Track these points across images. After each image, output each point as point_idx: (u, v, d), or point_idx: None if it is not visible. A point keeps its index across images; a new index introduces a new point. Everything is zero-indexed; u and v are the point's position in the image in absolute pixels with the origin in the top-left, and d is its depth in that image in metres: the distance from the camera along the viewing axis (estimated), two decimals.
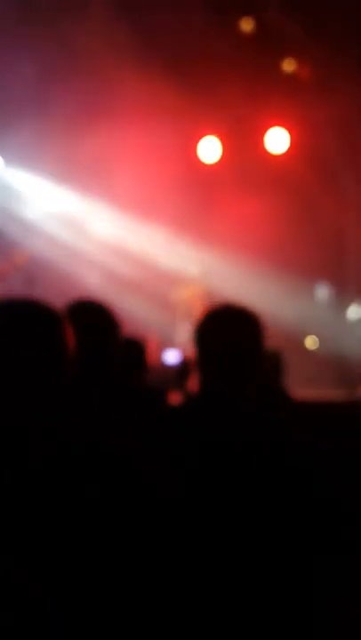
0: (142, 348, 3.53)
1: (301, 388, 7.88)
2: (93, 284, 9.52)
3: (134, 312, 8.90)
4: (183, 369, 5.30)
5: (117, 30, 8.50)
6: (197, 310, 9.06)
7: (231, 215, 9.86)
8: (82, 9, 8.47)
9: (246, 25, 8.89)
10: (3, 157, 9.88)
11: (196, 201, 9.82)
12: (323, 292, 10.58)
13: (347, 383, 8.19)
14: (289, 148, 9.82)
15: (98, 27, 8.40)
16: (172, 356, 7.85)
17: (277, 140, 9.76)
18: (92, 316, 2.04)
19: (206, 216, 9.97)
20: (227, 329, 1.80)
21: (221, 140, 9.88)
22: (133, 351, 3.57)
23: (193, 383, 4.91)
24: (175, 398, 5.28)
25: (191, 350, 1.95)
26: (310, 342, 9.78)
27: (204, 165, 10.09)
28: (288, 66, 9.30)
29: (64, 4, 8.56)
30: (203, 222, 9.98)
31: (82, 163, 9.47)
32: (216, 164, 10.05)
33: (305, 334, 9.88)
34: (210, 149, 9.96)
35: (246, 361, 1.77)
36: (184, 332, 8.97)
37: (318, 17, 8.46)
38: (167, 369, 5.58)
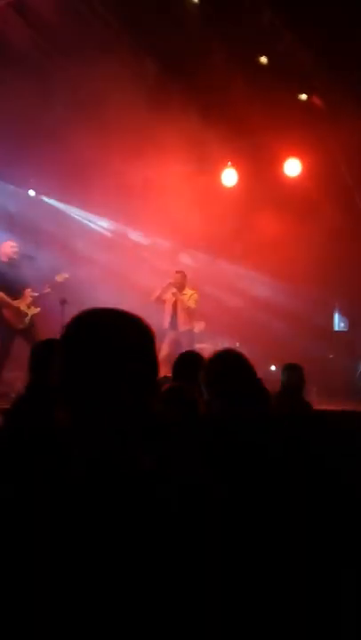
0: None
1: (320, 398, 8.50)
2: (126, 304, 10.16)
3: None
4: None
5: (142, 67, 9.12)
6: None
7: (252, 236, 10.49)
8: (105, 44, 9.22)
9: (262, 59, 9.55)
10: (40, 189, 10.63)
11: (216, 223, 10.51)
12: (340, 311, 11.08)
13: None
14: (304, 173, 10.52)
15: (124, 60, 9.09)
16: None
17: (292, 166, 10.49)
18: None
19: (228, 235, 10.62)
20: (231, 367, 2.49)
21: (241, 166, 10.56)
22: None
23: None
24: None
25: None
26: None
27: (225, 190, 10.77)
28: (301, 96, 9.94)
29: (86, 41, 9.22)
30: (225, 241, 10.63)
31: (115, 192, 10.20)
32: (236, 188, 10.76)
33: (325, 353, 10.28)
34: (231, 176, 10.70)
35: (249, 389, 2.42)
36: None
37: (329, 49, 9.07)
38: None
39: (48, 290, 8.70)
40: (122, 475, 1.27)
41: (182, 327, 9.69)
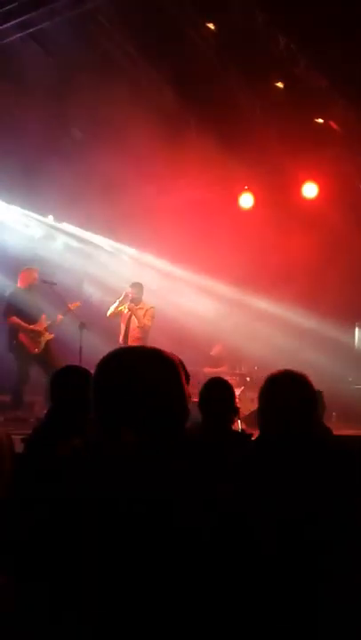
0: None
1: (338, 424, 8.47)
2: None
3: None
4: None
5: (160, 93, 9.30)
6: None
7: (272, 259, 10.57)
8: (122, 71, 9.41)
9: (278, 84, 9.71)
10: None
11: (235, 247, 10.64)
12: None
13: None
14: (321, 195, 10.64)
15: (141, 86, 9.27)
16: None
17: (309, 189, 10.64)
18: None
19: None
20: (287, 390, 2.48)
21: (259, 189, 10.70)
22: None
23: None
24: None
25: None
26: None
27: (244, 213, 10.91)
28: (318, 120, 10.07)
29: (104, 68, 9.44)
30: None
31: (132, 216, 10.35)
32: (255, 211, 10.90)
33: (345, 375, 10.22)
34: (249, 200, 10.85)
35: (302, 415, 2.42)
36: None
37: (344, 72, 9.21)
38: None
39: (61, 317, 8.79)
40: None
41: (132, 343, 9.09)
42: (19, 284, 8.69)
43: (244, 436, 4.40)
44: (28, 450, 3.29)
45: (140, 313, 9.18)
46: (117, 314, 9.28)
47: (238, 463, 2.47)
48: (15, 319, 8.47)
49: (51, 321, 8.74)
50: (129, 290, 9.28)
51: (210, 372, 11.13)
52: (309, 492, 2.12)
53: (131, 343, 8.96)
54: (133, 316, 9.18)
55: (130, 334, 9.17)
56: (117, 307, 9.28)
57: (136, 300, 9.25)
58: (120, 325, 9.28)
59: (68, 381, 3.45)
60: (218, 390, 3.98)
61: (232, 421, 4.11)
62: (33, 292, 8.72)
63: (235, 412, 4.01)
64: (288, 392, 2.44)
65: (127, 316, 9.22)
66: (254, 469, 2.29)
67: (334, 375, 9.78)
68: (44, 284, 8.85)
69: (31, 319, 8.60)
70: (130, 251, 11.70)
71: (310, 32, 8.57)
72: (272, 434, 2.41)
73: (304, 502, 2.09)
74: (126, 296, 9.27)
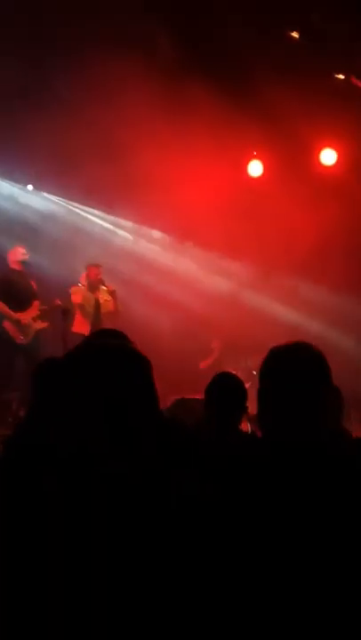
0: None
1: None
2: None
3: None
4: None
5: (161, 46, 8.74)
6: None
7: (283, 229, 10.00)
8: (120, 25, 8.74)
9: (293, 34, 9.11)
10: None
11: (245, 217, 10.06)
12: None
13: None
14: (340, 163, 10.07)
15: (141, 39, 8.65)
16: None
17: (327, 156, 10.04)
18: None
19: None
20: (289, 365, 1.96)
21: (272, 154, 10.09)
22: None
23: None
24: None
25: None
26: None
27: (253, 180, 10.27)
28: (338, 76, 9.48)
29: (101, 20, 8.82)
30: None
31: (126, 184, 9.78)
32: (266, 178, 10.27)
33: None
34: (259, 167, 10.24)
35: (309, 398, 1.90)
36: None
37: None
38: None
39: (58, 302, 8.31)
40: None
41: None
42: (10, 265, 8.39)
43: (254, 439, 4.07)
44: (6, 452, 3.12)
45: (103, 299, 8.81)
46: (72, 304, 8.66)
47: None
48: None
49: (47, 307, 8.34)
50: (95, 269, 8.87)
51: (206, 366, 10.63)
52: (315, 517, 1.74)
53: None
54: (104, 302, 8.75)
55: (103, 322, 8.64)
56: (72, 297, 8.71)
57: (96, 284, 8.86)
58: (79, 313, 8.71)
59: (51, 376, 3.27)
60: (226, 387, 3.82)
61: (240, 421, 3.96)
62: (25, 275, 8.37)
63: (244, 410, 3.89)
64: (292, 375, 1.95)
65: (93, 303, 8.75)
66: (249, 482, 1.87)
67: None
68: (35, 267, 8.55)
69: (20, 305, 8.25)
70: (125, 223, 11.13)
71: None
72: (271, 435, 1.97)
73: (307, 531, 1.72)
74: (84, 282, 8.82)
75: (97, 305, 8.85)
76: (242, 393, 3.86)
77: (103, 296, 8.90)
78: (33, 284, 8.47)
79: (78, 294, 8.81)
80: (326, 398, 1.93)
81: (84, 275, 9.01)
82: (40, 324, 8.40)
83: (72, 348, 1.70)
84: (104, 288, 8.94)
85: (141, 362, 1.66)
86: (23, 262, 8.43)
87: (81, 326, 8.63)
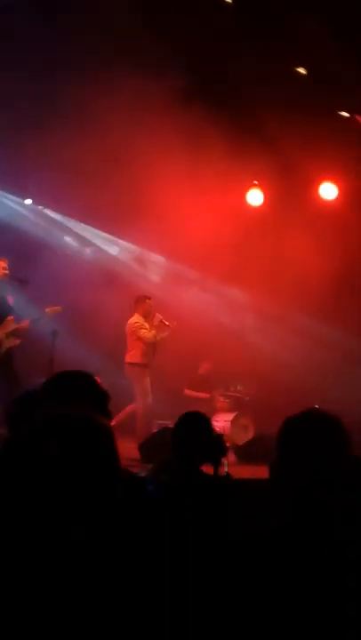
0: None
1: None
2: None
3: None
4: (218, 444, 5.54)
5: (167, 75, 8.82)
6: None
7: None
8: (127, 51, 8.88)
9: (300, 69, 9.22)
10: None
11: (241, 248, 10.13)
12: None
13: None
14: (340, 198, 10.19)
15: (148, 68, 8.74)
16: None
17: (327, 190, 10.17)
18: None
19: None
20: (312, 433, 1.98)
21: (271, 186, 10.18)
22: None
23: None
24: (208, 470, 5.46)
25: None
26: None
27: (252, 210, 10.36)
28: (342, 114, 9.59)
29: (111, 45, 8.92)
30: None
31: (128, 209, 9.83)
32: (264, 209, 10.36)
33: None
34: (259, 196, 10.33)
35: (329, 463, 1.92)
36: None
37: None
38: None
39: (27, 324, 8.16)
40: None
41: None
42: None
43: (224, 483, 4.12)
44: None
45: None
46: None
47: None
48: None
49: (17, 325, 8.13)
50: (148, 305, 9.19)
51: (194, 395, 10.61)
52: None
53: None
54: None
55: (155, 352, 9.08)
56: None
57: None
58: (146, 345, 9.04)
59: (28, 407, 3.01)
60: (189, 428, 3.79)
61: (201, 464, 3.90)
62: (1, 286, 8.15)
63: (205, 454, 3.84)
64: (308, 447, 1.96)
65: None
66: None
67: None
68: (16, 281, 8.24)
69: None
70: (123, 244, 11.21)
71: (341, 11, 8.15)
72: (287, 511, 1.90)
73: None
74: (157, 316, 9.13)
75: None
76: (205, 434, 3.84)
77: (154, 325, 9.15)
78: (10, 299, 8.27)
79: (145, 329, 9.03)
80: (343, 468, 1.95)
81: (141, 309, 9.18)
82: (12, 342, 8.16)
83: (35, 415, 1.68)
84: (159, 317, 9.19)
85: (102, 434, 1.64)
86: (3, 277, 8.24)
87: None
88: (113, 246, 11.26)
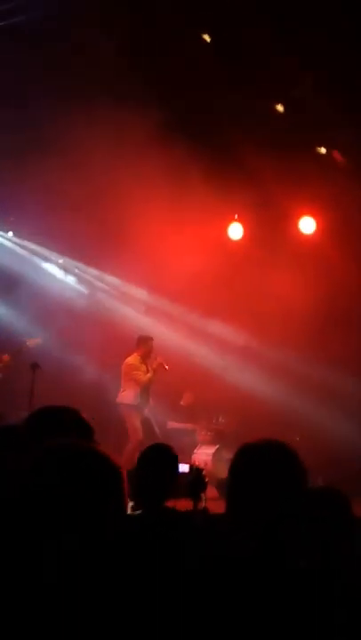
0: None
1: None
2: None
3: None
4: (197, 479, 5.54)
5: (148, 113, 8.94)
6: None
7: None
8: (108, 88, 9.03)
9: (278, 106, 9.39)
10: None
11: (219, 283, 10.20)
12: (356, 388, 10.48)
13: None
14: (319, 232, 10.32)
15: (127, 106, 8.87)
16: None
17: (306, 224, 10.31)
18: None
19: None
20: (263, 465, 1.93)
21: (251, 220, 10.29)
22: None
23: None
24: (185, 505, 5.45)
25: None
26: None
27: (234, 244, 10.48)
28: (320, 150, 9.75)
29: (90, 84, 9.07)
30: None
31: (109, 243, 9.89)
32: (244, 243, 10.46)
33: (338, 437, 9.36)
34: (239, 230, 10.45)
35: (281, 499, 1.86)
36: None
37: (354, 100, 8.94)
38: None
39: (7, 358, 8.24)
40: None
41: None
42: None
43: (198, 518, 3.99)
44: None
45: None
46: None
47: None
48: None
49: None
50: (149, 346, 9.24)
51: (176, 427, 10.55)
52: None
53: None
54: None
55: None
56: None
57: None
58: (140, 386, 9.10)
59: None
60: (153, 463, 3.66)
61: (164, 501, 3.70)
62: None
63: (168, 492, 3.65)
64: (260, 477, 1.92)
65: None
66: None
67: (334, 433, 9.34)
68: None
69: None
70: (107, 278, 11.26)
71: (319, 53, 8.31)
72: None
73: None
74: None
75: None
76: (171, 468, 3.73)
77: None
78: None
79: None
80: (290, 504, 1.90)
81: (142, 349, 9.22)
82: None
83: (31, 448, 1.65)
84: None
85: (112, 472, 1.56)
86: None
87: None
88: (95, 279, 11.25)
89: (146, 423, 8.99)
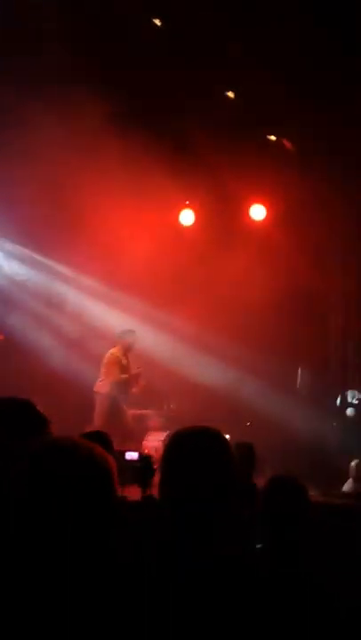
0: None
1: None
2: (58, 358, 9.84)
3: None
4: (145, 466, 5.60)
5: (97, 100, 8.88)
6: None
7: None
8: (62, 77, 8.88)
9: (229, 93, 9.42)
10: None
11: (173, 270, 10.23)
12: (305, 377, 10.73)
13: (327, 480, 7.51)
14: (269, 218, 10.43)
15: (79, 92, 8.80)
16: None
17: (256, 211, 10.40)
18: None
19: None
20: (194, 452, 1.94)
21: (203, 207, 10.35)
22: None
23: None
24: (134, 493, 5.49)
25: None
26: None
27: (184, 231, 10.54)
28: (270, 137, 9.83)
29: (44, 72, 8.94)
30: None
31: (59, 230, 9.76)
32: (197, 230, 10.52)
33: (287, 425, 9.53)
34: (191, 217, 10.52)
35: (214, 486, 1.89)
36: None
37: (303, 89, 9.01)
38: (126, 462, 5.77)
39: None
40: None
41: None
42: None
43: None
44: None
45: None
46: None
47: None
48: None
49: None
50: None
51: (136, 414, 10.55)
52: None
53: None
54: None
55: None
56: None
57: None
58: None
59: None
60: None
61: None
62: None
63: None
64: (192, 464, 1.92)
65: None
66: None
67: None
68: None
69: None
70: (58, 267, 11.14)
71: (269, 40, 8.32)
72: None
73: None
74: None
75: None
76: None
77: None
78: None
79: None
80: (222, 495, 1.91)
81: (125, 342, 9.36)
82: None
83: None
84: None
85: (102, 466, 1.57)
86: None
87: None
88: (46, 268, 11.11)
89: (118, 414, 9.18)
